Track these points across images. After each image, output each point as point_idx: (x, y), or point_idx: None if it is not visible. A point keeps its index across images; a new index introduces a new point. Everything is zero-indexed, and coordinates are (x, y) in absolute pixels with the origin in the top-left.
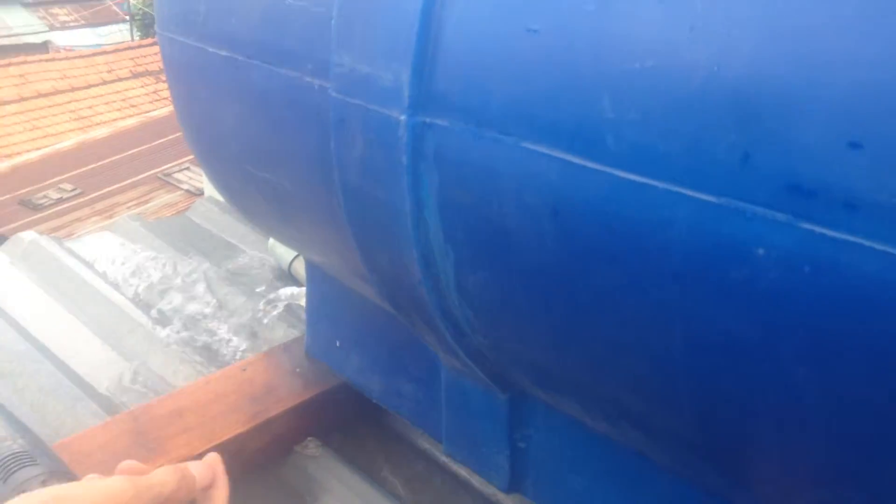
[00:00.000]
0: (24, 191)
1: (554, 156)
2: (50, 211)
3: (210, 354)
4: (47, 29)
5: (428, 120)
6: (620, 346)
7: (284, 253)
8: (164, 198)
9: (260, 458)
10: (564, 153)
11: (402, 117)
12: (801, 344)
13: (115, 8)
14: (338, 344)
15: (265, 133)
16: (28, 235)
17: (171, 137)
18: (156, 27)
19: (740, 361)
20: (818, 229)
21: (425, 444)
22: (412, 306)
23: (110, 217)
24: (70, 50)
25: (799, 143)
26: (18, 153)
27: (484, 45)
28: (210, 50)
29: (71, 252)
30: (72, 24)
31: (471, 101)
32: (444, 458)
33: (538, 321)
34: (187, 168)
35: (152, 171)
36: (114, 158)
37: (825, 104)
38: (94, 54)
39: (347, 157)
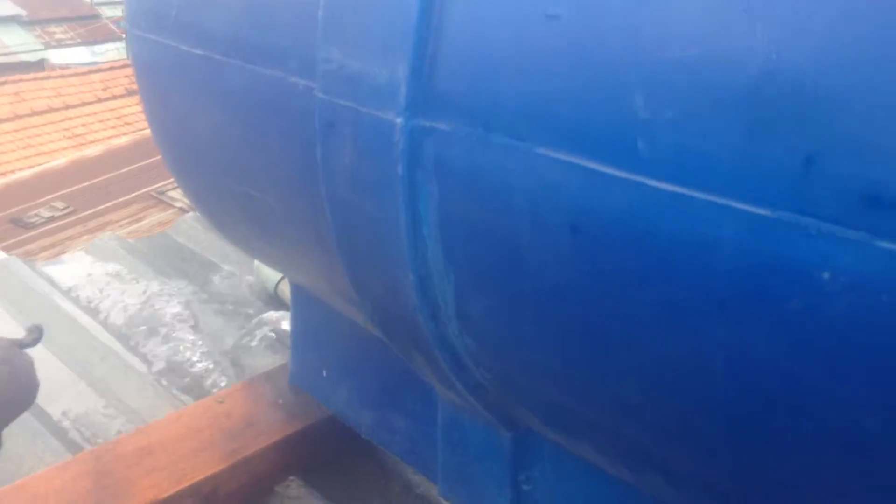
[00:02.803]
0: (15, 209)
1: (575, 163)
2: (41, 229)
3: (188, 384)
4: (43, 47)
5: (428, 123)
6: (650, 382)
7: (271, 273)
8: (158, 216)
9: (237, 500)
10: (588, 160)
11: (398, 120)
12: (873, 387)
13: (111, 26)
14: (325, 374)
15: (244, 141)
16: None
17: None
18: (125, 24)
19: (796, 405)
20: None
21: (419, 482)
22: (406, 334)
23: (94, 240)
24: (66, 68)
25: (879, 143)
26: (11, 171)
27: (494, 36)
28: (183, 48)
29: (42, 274)
30: (68, 41)
31: (478, 102)
32: (440, 499)
33: (552, 352)
34: None
35: (145, 189)
36: (107, 176)
37: None
38: (90, 72)
39: (335, 167)
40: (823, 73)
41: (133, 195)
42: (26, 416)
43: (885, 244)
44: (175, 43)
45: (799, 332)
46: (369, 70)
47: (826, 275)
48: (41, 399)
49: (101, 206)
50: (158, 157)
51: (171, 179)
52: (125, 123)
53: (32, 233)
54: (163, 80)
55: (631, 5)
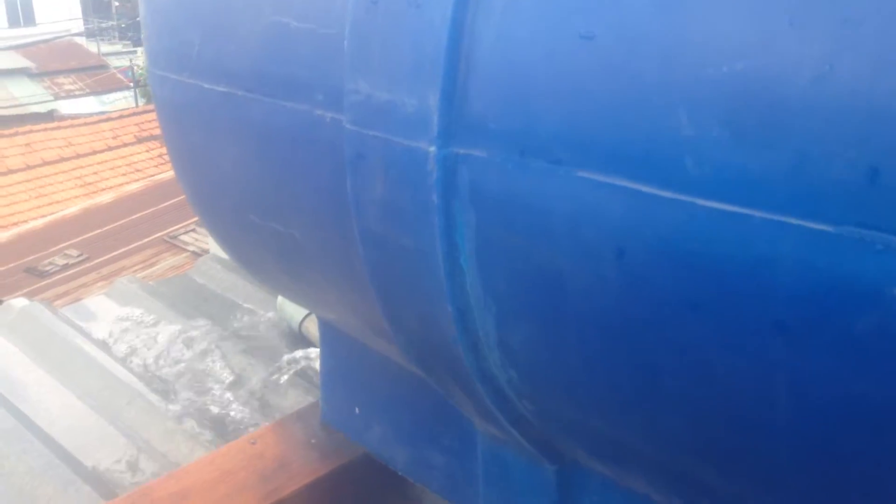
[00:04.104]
0: (30, 258)
1: (617, 185)
2: (56, 277)
3: (217, 426)
4: (53, 98)
5: (461, 151)
6: (706, 411)
7: (295, 312)
8: (170, 260)
9: None
10: (631, 182)
11: (431, 149)
12: None
13: (119, 76)
14: (357, 411)
15: (270, 176)
16: (19, 302)
17: (176, 200)
18: (147, 66)
19: (869, 432)
20: None
21: None
22: (445, 368)
23: (114, 283)
24: (75, 118)
25: None
26: (24, 221)
27: (527, 58)
28: (206, 86)
29: (65, 319)
30: (77, 92)
31: (512, 126)
32: None
33: (600, 382)
34: (193, 230)
35: (158, 234)
36: (119, 223)
37: None
38: (99, 121)
39: (367, 199)
40: (882, 79)
41: (146, 240)
42: (57, 464)
43: None
44: (197, 81)
45: (869, 352)
46: (399, 99)
47: None
48: (71, 445)
49: (115, 253)
50: (170, 202)
51: (184, 224)
52: (136, 170)
53: (47, 281)
54: (185, 119)
55: (668, 22)
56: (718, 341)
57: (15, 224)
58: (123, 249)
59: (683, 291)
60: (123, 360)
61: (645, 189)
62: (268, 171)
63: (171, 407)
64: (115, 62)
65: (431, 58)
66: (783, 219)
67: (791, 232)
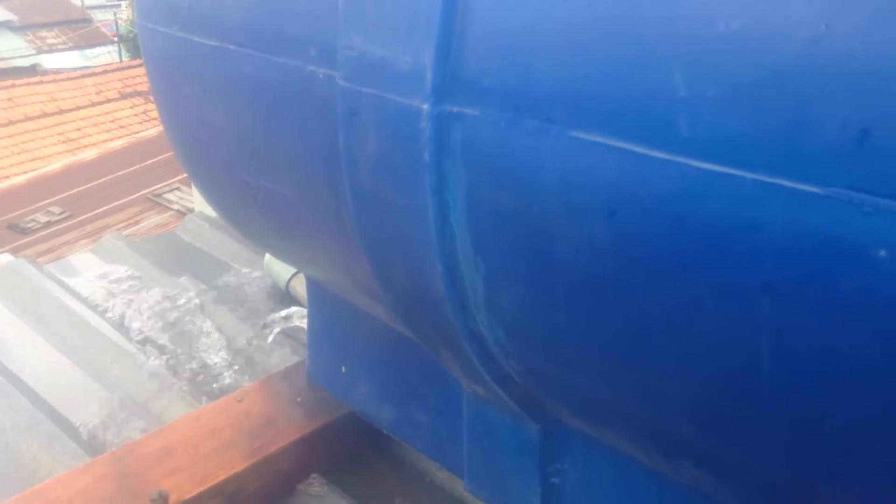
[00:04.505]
0: (11, 215)
1: (610, 145)
2: (39, 234)
3: (203, 384)
4: (35, 52)
5: (455, 108)
6: (691, 370)
7: (282, 270)
8: (155, 219)
9: (260, 499)
10: (624, 142)
11: (425, 106)
12: None
13: (103, 30)
14: (343, 370)
15: (261, 133)
16: (3, 258)
17: (160, 158)
18: (135, 17)
19: (851, 390)
20: None
21: (444, 477)
22: (432, 327)
23: (100, 240)
24: (58, 73)
25: None
26: (6, 177)
27: (524, 15)
28: (196, 40)
29: (50, 276)
30: (60, 46)
31: (507, 84)
32: (465, 495)
33: (586, 342)
34: (178, 188)
35: (142, 192)
36: (103, 180)
37: None
38: (83, 76)
39: (359, 157)
40: (879, 41)
41: (130, 198)
42: (42, 420)
43: None
44: (188, 34)
45: (853, 312)
46: (393, 56)
47: (882, 253)
48: (56, 401)
49: (99, 210)
50: (154, 159)
51: (168, 182)
52: (119, 127)
53: (30, 238)
54: (175, 73)
55: None
56: (707, 301)
57: None
58: (107, 207)
59: (673, 251)
60: (109, 318)
61: (638, 149)
62: (258, 128)
63: (156, 364)
64: (98, 16)
65: (427, 13)
66: (774, 180)
67: (781, 193)
